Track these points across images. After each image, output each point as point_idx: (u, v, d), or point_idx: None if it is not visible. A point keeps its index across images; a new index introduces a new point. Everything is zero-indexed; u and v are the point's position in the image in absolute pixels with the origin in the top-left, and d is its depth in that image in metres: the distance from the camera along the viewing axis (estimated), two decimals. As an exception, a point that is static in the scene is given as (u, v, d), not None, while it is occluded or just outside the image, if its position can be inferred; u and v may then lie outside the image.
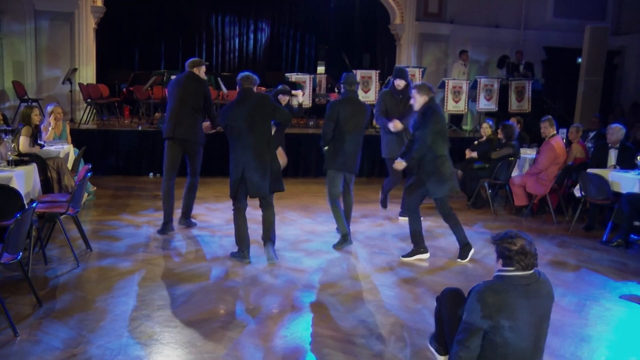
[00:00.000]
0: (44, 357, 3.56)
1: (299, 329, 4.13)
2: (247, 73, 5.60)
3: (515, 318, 2.82)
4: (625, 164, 7.23)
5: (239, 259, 5.56)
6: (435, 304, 3.58)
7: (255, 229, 5.88)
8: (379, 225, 7.24)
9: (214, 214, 7.45)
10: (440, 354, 3.66)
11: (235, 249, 5.65)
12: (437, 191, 5.69)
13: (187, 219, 6.74)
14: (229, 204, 7.97)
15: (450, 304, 3.34)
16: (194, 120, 6.37)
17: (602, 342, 4.15)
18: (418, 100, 5.71)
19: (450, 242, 6.42)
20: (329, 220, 7.17)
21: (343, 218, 6.15)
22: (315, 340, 3.98)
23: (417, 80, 11.81)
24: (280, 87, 7.62)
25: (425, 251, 5.88)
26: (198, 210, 7.50)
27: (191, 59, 6.62)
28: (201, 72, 6.56)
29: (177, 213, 6.70)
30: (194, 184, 6.69)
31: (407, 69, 11.86)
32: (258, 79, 5.65)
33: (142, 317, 4.21)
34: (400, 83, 7.00)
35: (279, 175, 5.57)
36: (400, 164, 5.85)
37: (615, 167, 7.25)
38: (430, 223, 7.26)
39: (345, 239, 6.14)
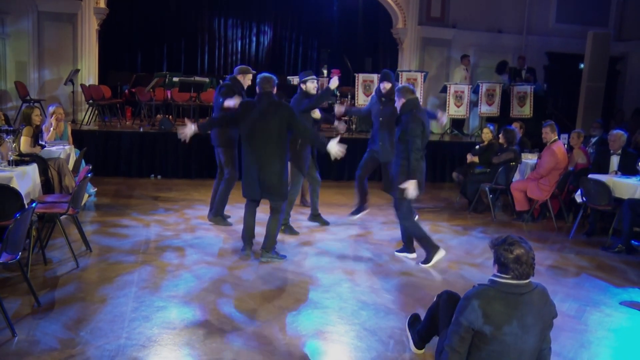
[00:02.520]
0: (41, 358, 3.55)
1: (298, 332, 4.12)
2: (266, 75, 5.60)
3: (501, 327, 2.79)
4: (627, 169, 7.22)
5: (241, 252, 5.80)
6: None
7: (259, 231, 5.87)
8: (379, 228, 7.23)
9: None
10: (417, 347, 3.77)
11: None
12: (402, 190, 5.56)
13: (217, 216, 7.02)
14: (236, 205, 8.00)
15: (447, 305, 3.34)
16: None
17: (602, 348, 4.13)
18: (398, 103, 5.73)
19: (449, 246, 6.41)
20: (331, 223, 7.18)
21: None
22: (314, 343, 3.97)
23: (420, 85, 11.83)
24: (303, 74, 7.05)
25: (439, 249, 5.78)
26: (204, 212, 7.52)
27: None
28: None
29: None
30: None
31: (409, 73, 11.94)
32: (276, 79, 5.68)
33: (140, 318, 4.20)
34: (386, 86, 6.98)
35: (280, 184, 5.52)
36: (411, 186, 5.52)
37: (616, 173, 7.24)
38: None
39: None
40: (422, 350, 3.83)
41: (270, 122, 5.41)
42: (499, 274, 2.89)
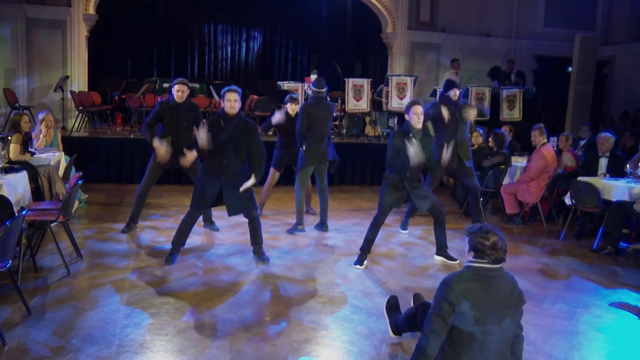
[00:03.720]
0: (33, 366, 3.54)
1: (290, 337, 4.12)
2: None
3: (479, 307, 2.95)
4: (615, 172, 7.28)
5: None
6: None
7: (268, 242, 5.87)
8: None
9: (219, 221, 7.43)
10: (394, 333, 4.05)
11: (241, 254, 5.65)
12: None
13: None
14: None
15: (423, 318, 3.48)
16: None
17: (592, 349, 4.16)
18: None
19: (450, 248, 6.44)
20: (332, 229, 7.19)
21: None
22: (306, 347, 3.97)
23: (410, 89, 11.88)
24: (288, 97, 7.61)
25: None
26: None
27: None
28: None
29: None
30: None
31: (398, 77, 11.99)
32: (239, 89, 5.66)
33: (132, 325, 4.19)
34: (457, 93, 7.08)
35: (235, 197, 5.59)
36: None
37: (605, 176, 7.30)
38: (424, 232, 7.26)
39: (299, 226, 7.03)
40: (399, 336, 4.07)
41: (234, 136, 5.50)
42: (474, 259, 3.06)
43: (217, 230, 6.93)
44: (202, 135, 5.33)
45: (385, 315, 4.16)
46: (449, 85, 7.14)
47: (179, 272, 5.43)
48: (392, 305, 4.18)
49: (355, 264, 5.79)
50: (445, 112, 6.92)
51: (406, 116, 5.71)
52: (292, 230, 7.01)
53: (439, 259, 6.15)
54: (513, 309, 3.06)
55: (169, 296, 4.80)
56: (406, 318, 3.88)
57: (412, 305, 4.15)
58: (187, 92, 6.47)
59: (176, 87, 6.44)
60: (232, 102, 5.45)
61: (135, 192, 6.76)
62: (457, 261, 6.06)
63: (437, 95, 12.12)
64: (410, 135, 5.62)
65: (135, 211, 6.78)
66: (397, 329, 4.03)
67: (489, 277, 3.01)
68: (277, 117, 7.28)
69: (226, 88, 5.55)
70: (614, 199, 6.65)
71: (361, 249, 5.85)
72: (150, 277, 5.24)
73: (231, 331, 4.17)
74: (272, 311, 4.58)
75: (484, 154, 8.47)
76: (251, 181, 5.48)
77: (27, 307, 4.31)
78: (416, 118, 5.64)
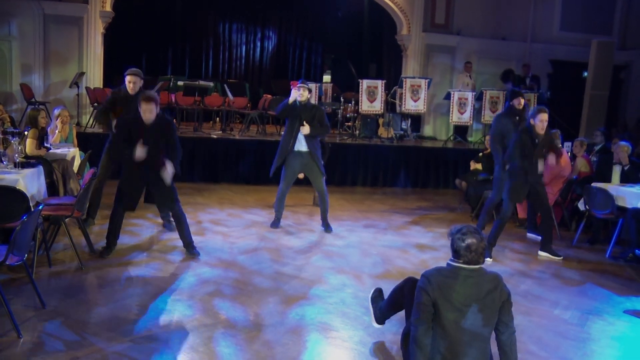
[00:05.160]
0: (46, 360, 3.57)
1: (301, 337, 4.13)
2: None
3: (451, 301, 3.09)
4: (631, 178, 7.22)
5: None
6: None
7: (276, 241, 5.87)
8: (382, 234, 7.24)
9: (231, 220, 7.48)
10: (377, 322, 4.18)
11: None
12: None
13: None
14: (244, 211, 8.01)
15: (412, 293, 3.56)
16: None
17: (604, 356, 4.14)
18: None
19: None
20: (335, 228, 7.20)
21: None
22: (317, 348, 3.98)
23: (424, 91, 11.85)
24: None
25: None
26: (209, 216, 7.54)
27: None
28: None
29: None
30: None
31: (413, 79, 11.96)
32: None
33: (145, 321, 4.21)
34: (522, 102, 7.08)
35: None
36: None
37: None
38: (434, 235, 7.25)
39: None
40: (381, 325, 4.19)
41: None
42: (453, 259, 3.18)
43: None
44: (139, 150, 5.46)
45: (370, 306, 4.25)
46: (513, 94, 7.16)
47: (192, 269, 5.46)
48: (377, 297, 4.27)
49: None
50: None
51: (532, 120, 6.31)
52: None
53: (544, 254, 6.61)
54: (488, 308, 3.14)
55: (181, 293, 4.82)
56: (391, 296, 4.01)
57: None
58: (139, 83, 6.36)
59: (128, 77, 6.35)
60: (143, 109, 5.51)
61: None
62: (561, 257, 6.54)
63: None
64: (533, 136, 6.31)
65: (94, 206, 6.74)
66: (382, 316, 4.13)
67: (464, 276, 3.12)
68: (294, 95, 6.93)
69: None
70: (629, 206, 6.60)
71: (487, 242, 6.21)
72: (163, 274, 5.27)
73: (242, 330, 4.19)
74: (283, 311, 4.59)
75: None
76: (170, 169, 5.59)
77: (41, 300, 4.35)
78: (541, 125, 6.28)
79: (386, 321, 4.34)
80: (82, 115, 11.78)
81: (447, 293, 3.11)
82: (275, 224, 7.21)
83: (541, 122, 6.24)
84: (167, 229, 6.71)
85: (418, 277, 3.35)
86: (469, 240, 3.12)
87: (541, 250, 6.66)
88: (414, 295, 3.42)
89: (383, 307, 4.10)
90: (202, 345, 3.90)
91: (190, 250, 5.86)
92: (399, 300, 3.89)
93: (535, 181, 6.41)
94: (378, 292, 4.30)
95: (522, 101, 7.07)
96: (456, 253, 3.16)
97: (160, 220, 6.99)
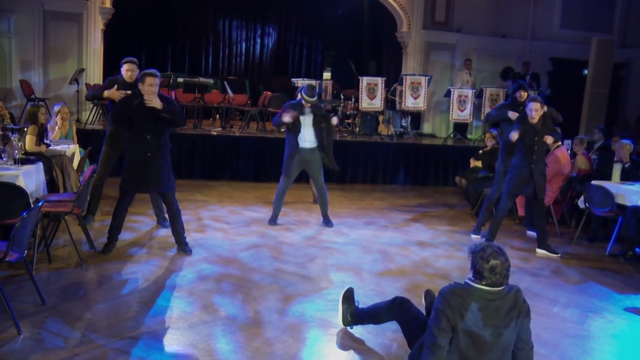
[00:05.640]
0: (46, 356, 3.56)
1: (301, 334, 4.13)
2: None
3: (471, 324, 2.95)
4: (631, 176, 7.22)
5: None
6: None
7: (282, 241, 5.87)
8: (382, 231, 7.24)
9: (232, 217, 7.48)
10: (344, 323, 4.17)
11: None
12: None
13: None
14: (244, 208, 8.01)
15: (400, 312, 3.68)
16: None
17: (604, 354, 4.14)
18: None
19: (452, 249, 6.43)
20: (337, 225, 7.20)
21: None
22: (318, 344, 3.98)
23: (424, 89, 11.85)
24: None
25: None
26: (209, 212, 7.53)
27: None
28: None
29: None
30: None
31: (413, 76, 11.95)
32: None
33: (145, 318, 4.22)
34: (523, 95, 7.20)
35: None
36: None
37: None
38: (445, 237, 7.25)
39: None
40: (348, 327, 4.19)
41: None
42: (473, 279, 3.01)
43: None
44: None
45: (340, 304, 4.22)
46: (517, 87, 7.31)
47: (192, 266, 5.46)
48: (348, 297, 4.23)
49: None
50: (512, 115, 7.04)
51: (527, 111, 6.35)
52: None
53: (542, 252, 6.66)
54: (509, 328, 3.02)
55: (181, 290, 4.82)
56: (374, 309, 3.98)
57: (424, 301, 4.16)
58: (136, 71, 6.31)
59: (125, 66, 6.34)
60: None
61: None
62: (559, 254, 6.57)
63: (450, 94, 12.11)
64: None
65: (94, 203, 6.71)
66: (353, 320, 4.13)
67: (484, 299, 2.96)
68: (286, 119, 6.93)
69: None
70: (628, 204, 6.59)
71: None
72: (163, 271, 5.27)
73: (242, 327, 4.19)
74: (283, 308, 4.59)
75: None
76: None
77: (41, 297, 4.35)
78: (534, 115, 6.27)
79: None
80: (82, 111, 11.77)
81: (467, 317, 2.96)
82: (273, 220, 7.22)
83: (531, 110, 6.24)
84: (164, 227, 6.70)
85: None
86: (494, 262, 2.93)
87: (539, 247, 6.67)
88: (412, 315, 3.44)
89: (360, 313, 4.09)
90: (202, 342, 3.90)
91: (183, 247, 5.84)
92: (381, 317, 3.91)
93: (542, 172, 6.41)
94: (350, 293, 4.26)
95: (524, 94, 7.13)
96: (478, 274, 2.97)
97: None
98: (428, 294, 4.34)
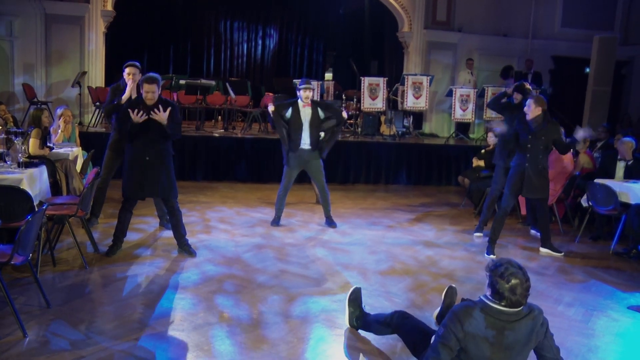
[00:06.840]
0: (51, 358, 3.57)
1: (305, 334, 4.13)
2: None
3: (482, 349, 2.86)
4: (634, 174, 7.21)
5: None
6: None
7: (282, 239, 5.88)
8: (386, 231, 7.24)
9: (236, 218, 7.48)
10: (350, 324, 4.19)
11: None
12: None
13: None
14: (248, 209, 8.02)
15: (402, 326, 3.69)
16: None
17: (609, 352, 4.14)
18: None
19: (455, 249, 6.43)
20: (340, 225, 7.20)
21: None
22: (323, 345, 3.98)
23: (426, 88, 11.85)
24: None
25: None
26: (213, 214, 7.54)
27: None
28: None
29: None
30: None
31: (414, 76, 11.96)
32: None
33: (149, 319, 4.22)
34: (518, 97, 7.16)
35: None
36: None
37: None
38: (451, 236, 7.24)
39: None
40: (355, 329, 4.18)
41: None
42: (491, 299, 2.89)
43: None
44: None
45: (347, 305, 4.21)
46: (514, 88, 7.32)
47: (196, 267, 5.47)
48: (355, 299, 4.22)
49: (487, 254, 6.36)
50: (509, 90, 7.27)
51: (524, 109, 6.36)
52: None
53: (545, 251, 6.65)
54: (526, 347, 2.92)
55: (186, 291, 4.83)
56: (378, 323, 3.96)
57: (443, 298, 4.20)
58: (138, 75, 6.29)
59: (127, 70, 6.29)
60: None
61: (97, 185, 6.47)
62: (562, 253, 6.57)
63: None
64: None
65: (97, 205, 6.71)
66: (359, 325, 4.13)
67: (501, 320, 2.85)
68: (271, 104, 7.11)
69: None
70: (632, 202, 6.59)
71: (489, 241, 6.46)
72: (167, 272, 5.28)
73: (247, 328, 4.19)
74: (287, 308, 4.59)
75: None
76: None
77: (46, 299, 4.36)
78: (530, 114, 6.23)
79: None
80: (84, 114, 11.81)
81: (480, 340, 2.84)
82: (276, 222, 7.22)
83: (527, 108, 6.25)
84: (167, 229, 6.71)
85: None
86: (514, 281, 2.79)
87: (542, 246, 6.67)
88: (414, 329, 3.45)
89: (365, 322, 4.09)
90: (206, 343, 3.91)
91: (186, 249, 5.85)
92: (383, 330, 3.93)
93: (535, 172, 6.25)
94: (357, 294, 4.23)
95: (519, 97, 7.05)
96: (498, 295, 2.83)
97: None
98: (449, 291, 4.27)
